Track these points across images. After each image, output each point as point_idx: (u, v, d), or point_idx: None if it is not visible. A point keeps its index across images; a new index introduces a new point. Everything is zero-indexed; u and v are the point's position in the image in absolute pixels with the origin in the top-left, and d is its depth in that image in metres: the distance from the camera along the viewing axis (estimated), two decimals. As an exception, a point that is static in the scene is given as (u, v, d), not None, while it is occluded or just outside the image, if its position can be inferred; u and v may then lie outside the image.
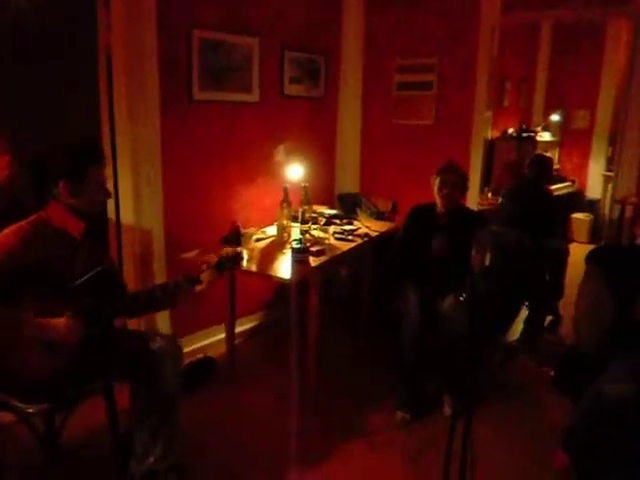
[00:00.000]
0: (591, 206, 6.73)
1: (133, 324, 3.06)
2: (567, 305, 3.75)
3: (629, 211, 3.36)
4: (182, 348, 2.37)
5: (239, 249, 2.43)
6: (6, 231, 1.99)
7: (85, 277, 1.99)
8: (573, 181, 6.90)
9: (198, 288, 2.20)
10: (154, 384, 2.07)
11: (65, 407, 2.05)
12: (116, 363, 2.13)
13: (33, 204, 2.11)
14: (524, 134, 6.46)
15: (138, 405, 2.10)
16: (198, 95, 3.26)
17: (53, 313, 1.90)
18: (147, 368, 2.07)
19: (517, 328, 3.95)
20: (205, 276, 2.20)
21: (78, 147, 2.12)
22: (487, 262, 1.82)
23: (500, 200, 4.69)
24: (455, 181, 3.05)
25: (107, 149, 3.05)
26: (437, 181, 3.06)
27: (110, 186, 3.06)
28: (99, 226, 2.29)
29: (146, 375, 2.07)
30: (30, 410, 1.93)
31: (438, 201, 3.09)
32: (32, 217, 2.07)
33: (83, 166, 2.05)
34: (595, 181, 6.85)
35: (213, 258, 2.27)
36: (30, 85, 3.40)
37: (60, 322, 1.89)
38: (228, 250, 2.34)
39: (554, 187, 6.31)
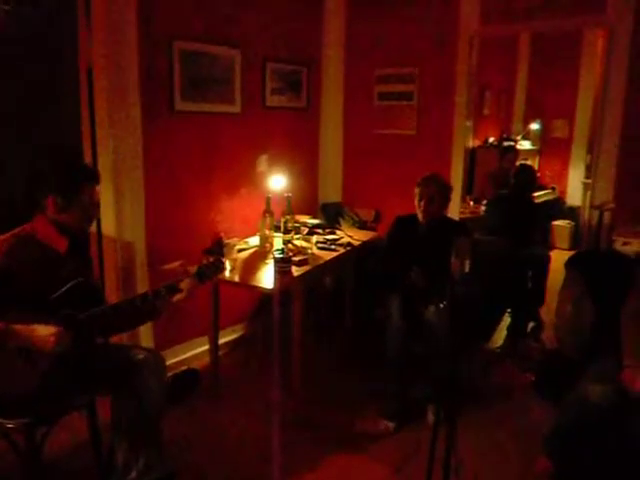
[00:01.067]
0: (571, 213, 6.82)
1: (115, 338, 3.05)
2: (549, 311, 3.79)
3: (607, 217, 3.41)
4: (165, 360, 2.35)
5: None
6: None
7: (63, 289, 1.99)
8: (553, 188, 6.99)
9: (178, 297, 2.17)
10: (137, 397, 2.05)
11: (46, 422, 2.02)
12: (99, 377, 2.11)
13: (22, 215, 2.11)
14: (505, 143, 6.55)
15: (121, 419, 2.07)
16: (180, 106, 3.27)
17: (34, 319, 1.88)
18: (130, 381, 2.05)
19: (500, 335, 3.98)
20: (185, 284, 2.18)
21: (72, 164, 2.16)
22: (467, 269, 1.84)
23: (484, 208, 4.74)
24: (433, 193, 3.04)
25: (88, 160, 3.05)
26: (416, 192, 3.09)
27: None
28: (83, 242, 2.27)
29: (129, 389, 2.05)
30: (10, 425, 1.91)
31: (417, 212, 3.11)
32: (17, 230, 2.06)
33: (74, 183, 2.05)
34: (575, 188, 6.95)
35: (194, 267, 2.26)
36: (10, 98, 3.38)
37: (45, 334, 1.87)
38: (209, 258, 2.33)
39: (536, 194, 6.38)
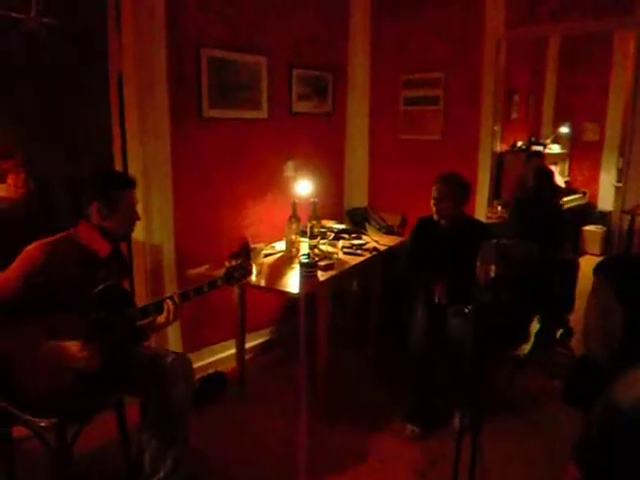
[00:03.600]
0: (603, 218, 6.68)
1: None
2: (578, 317, 3.73)
3: (639, 222, 3.34)
4: (192, 363, 2.38)
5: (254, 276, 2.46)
6: (35, 244, 2.05)
7: (95, 291, 2.04)
8: (584, 193, 6.87)
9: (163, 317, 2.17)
10: (165, 399, 2.09)
11: (77, 421, 2.07)
12: (128, 379, 2.16)
13: (67, 221, 2.21)
14: (534, 147, 6.46)
15: (149, 419, 2.12)
16: (207, 113, 3.32)
17: (66, 327, 1.95)
18: (159, 384, 2.09)
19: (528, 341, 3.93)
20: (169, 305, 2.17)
21: (110, 172, 2.36)
22: (492, 274, 1.82)
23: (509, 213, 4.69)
24: (444, 192, 3.03)
25: (119, 165, 3.12)
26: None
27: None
28: (123, 248, 2.36)
29: (158, 391, 2.09)
30: (42, 424, 1.96)
31: (433, 212, 3.12)
32: (63, 234, 2.15)
33: (116, 191, 2.16)
34: (607, 193, 6.80)
35: (222, 270, 2.30)
36: (43, 106, 3.48)
37: (79, 351, 1.93)
38: (238, 261, 2.36)
39: (566, 199, 6.29)
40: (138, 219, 2.31)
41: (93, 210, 2.12)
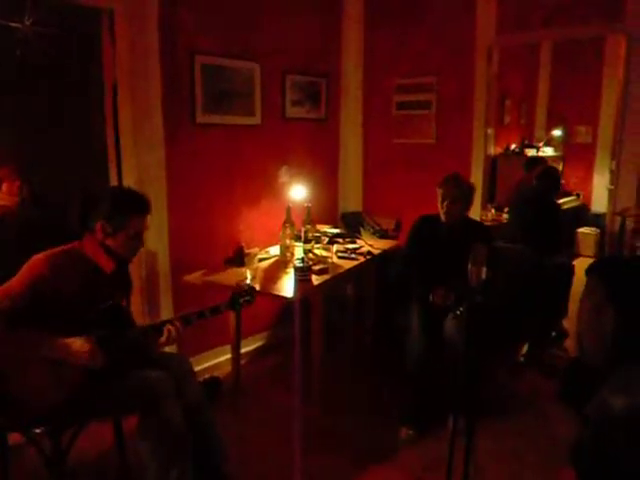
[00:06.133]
0: (597, 220, 6.71)
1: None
2: (572, 319, 3.75)
3: (630, 223, 3.36)
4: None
5: (249, 282, 2.46)
6: (39, 256, 2.03)
7: (100, 308, 2.04)
8: (578, 195, 6.90)
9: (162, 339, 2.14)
10: (162, 421, 2.03)
11: (72, 427, 2.06)
12: (123, 401, 2.10)
13: (73, 233, 2.17)
14: (527, 149, 6.49)
15: (148, 439, 2.04)
16: (201, 119, 3.34)
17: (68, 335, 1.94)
18: (151, 406, 2.03)
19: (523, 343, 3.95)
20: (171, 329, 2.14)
21: (124, 193, 2.24)
22: (484, 276, 1.84)
23: (506, 216, 4.70)
24: (455, 194, 3.03)
25: (113, 173, 3.13)
26: (439, 193, 3.09)
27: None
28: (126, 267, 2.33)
29: (152, 412, 2.03)
30: (38, 430, 1.96)
31: (440, 213, 3.12)
32: (68, 245, 2.12)
33: (123, 214, 2.11)
34: (600, 194, 6.83)
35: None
36: (38, 115, 3.49)
37: (80, 348, 1.92)
38: (241, 284, 2.34)
39: (560, 201, 6.29)
40: (142, 246, 2.24)
41: (98, 226, 2.09)
